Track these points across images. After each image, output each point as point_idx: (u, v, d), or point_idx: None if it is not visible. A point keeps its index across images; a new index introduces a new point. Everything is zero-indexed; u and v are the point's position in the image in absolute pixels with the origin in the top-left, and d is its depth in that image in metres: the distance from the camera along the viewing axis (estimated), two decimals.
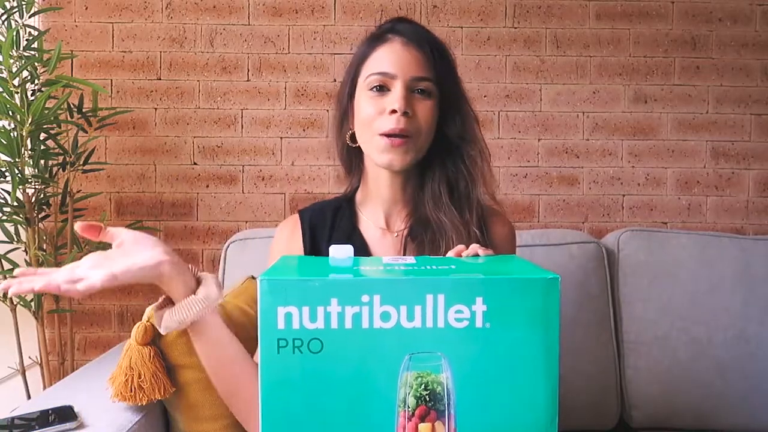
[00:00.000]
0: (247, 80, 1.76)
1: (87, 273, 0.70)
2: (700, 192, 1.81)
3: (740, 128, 1.80)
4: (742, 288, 1.50)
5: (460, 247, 0.76)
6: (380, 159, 0.94)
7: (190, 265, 0.83)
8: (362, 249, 1.00)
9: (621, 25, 1.78)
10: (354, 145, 1.00)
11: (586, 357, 1.47)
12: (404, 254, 0.97)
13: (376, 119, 0.92)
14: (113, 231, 0.77)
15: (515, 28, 1.78)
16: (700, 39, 1.79)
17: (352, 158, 1.04)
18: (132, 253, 0.76)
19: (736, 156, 1.81)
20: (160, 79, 1.75)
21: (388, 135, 0.91)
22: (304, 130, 1.77)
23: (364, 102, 0.94)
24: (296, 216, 1.06)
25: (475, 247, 0.75)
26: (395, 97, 0.91)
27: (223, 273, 1.52)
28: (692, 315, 1.48)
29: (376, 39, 0.97)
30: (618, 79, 1.79)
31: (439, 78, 0.94)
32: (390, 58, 0.93)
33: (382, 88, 0.93)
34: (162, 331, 0.81)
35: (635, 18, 1.78)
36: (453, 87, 0.98)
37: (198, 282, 0.82)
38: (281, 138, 1.77)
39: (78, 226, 0.74)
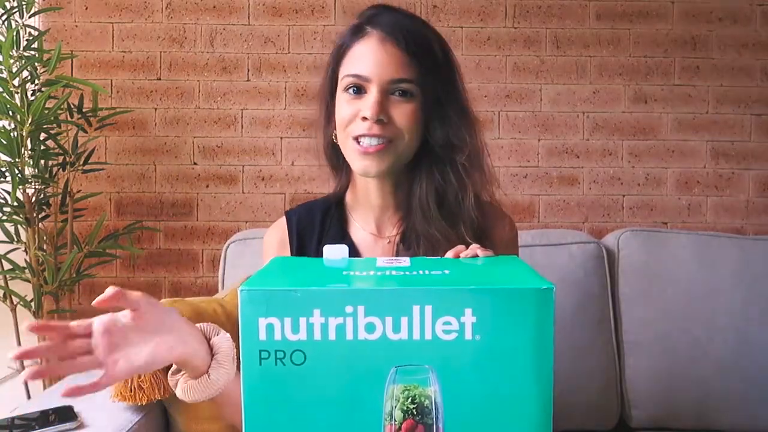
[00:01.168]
0: (247, 80, 1.76)
1: (107, 361, 0.64)
2: (700, 192, 1.81)
3: (740, 128, 1.80)
4: (742, 288, 1.49)
5: (460, 247, 0.72)
6: (356, 165, 0.88)
7: (202, 327, 0.76)
8: (353, 255, 0.92)
9: (621, 25, 1.78)
10: (338, 143, 0.93)
11: (586, 357, 1.47)
12: None
13: (350, 122, 0.86)
14: (131, 297, 0.67)
15: (515, 28, 1.78)
16: (700, 39, 1.79)
17: (339, 158, 0.95)
18: (149, 332, 0.68)
19: (736, 156, 1.81)
20: (160, 79, 1.75)
21: (360, 139, 0.85)
22: (304, 130, 1.77)
23: (342, 103, 0.88)
24: (283, 220, 1.00)
25: (474, 248, 0.71)
26: (368, 103, 0.84)
27: (223, 273, 1.52)
28: (692, 315, 1.48)
29: (355, 32, 0.89)
30: (618, 79, 1.79)
31: (421, 77, 0.85)
32: (365, 58, 0.85)
33: (359, 90, 0.86)
34: (179, 395, 0.75)
35: (635, 18, 1.78)
36: (440, 86, 0.88)
37: (213, 352, 0.74)
38: (281, 138, 1.77)
39: (96, 301, 0.65)
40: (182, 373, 0.75)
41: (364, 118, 0.84)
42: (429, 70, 0.87)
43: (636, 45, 1.79)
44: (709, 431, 1.48)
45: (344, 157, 0.94)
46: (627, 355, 1.51)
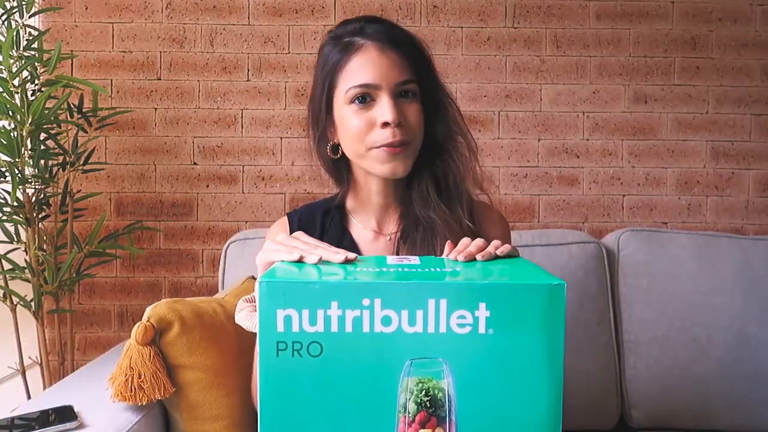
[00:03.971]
0: (247, 80, 1.76)
1: None
2: (700, 192, 1.81)
3: (740, 128, 1.80)
4: (742, 288, 1.50)
5: (465, 240, 0.71)
6: (381, 170, 0.90)
7: None
8: (353, 252, 0.96)
9: (621, 25, 1.78)
10: (336, 157, 0.96)
11: (586, 357, 1.47)
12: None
13: (367, 133, 0.89)
14: None
15: (515, 28, 1.78)
16: (700, 39, 1.79)
17: (341, 168, 0.99)
18: None
19: (736, 156, 1.81)
20: (160, 79, 1.75)
21: (383, 146, 0.88)
22: (304, 130, 1.75)
23: (349, 117, 0.90)
24: (284, 219, 1.03)
25: (508, 248, 0.69)
26: (385, 109, 0.87)
27: (223, 273, 1.52)
28: (692, 315, 1.48)
29: (346, 46, 0.91)
30: (618, 79, 1.79)
31: (419, 77, 0.91)
32: (368, 67, 0.88)
33: (365, 99, 0.88)
34: (236, 319, 0.85)
35: (635, 18, 1.78)
36: (433, 83, 0.95)
37: None
38: (281, 138, 1.77)
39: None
40: (253, 303, 0.85)
41: (385, 124, 0.87)
42: (423, 70, 0.93)
43: (636, 45, 1.79)
44: (709, 431, 1.48)
45: (345, 167, 0.99)
46: (627, 355, 1.51)
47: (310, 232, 0.97)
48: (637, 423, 1.51)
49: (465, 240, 0.72)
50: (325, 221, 1.01)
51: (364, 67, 0.88)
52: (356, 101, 0.89)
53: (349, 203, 1.02)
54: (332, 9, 1.76)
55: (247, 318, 0.84)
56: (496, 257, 0.68)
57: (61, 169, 1.56)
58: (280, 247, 0.69)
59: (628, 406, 1.51)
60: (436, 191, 0.94)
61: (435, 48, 1.71)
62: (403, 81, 0.89)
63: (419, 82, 0.91)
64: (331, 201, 1.04)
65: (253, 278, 1.37)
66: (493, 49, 1.78)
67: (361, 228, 1.00)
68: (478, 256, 0.67)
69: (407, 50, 0.91)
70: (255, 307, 0.85)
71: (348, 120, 0.90)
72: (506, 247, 0.70)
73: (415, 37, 0.95)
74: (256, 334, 0.85)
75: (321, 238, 0.97)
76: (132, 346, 0.97)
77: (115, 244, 1.60)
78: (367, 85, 0.88)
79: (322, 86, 0.93)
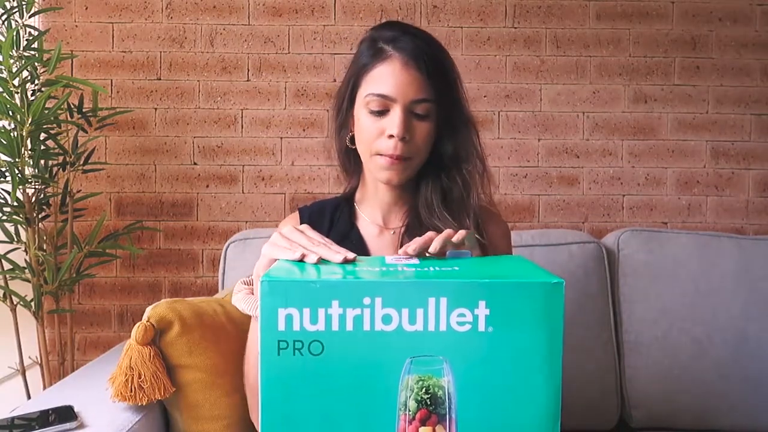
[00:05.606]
0: (247, 80, 1.76)
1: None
2: (700, 192, 1.81)
3: (740, 128, 1.80)
4: (742, 288, 1.50)
5: (449, 231, 0.73)
6: (379, 175, 0.96)
7: None
8: (359, 246, 1.01)
9: (621, 25, 1.78)
10: (353, 147, 1.01)
11: (586, 357, 1.47)
12: None
13: (375, 140, 0.93)
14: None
15: (515, 28, 1.78)
16: (700, 39, 1.79)
17: (351, 160, 1.05)
18: None
19: (736, 156, 1.81)
20: (160, 79, 1.75)
21: (384, 155, 0.93)
22: (304, 130, 1.77)
23: (364, 120, 0.94)
24: (296, 214, 1.08)
25: (462, 233, 0.73)
26: (394, 122, 0.91)
27: (223, 273, 1.53)
28: (692, 315, 1.48)
29: (377, 52, 0.94)
30: (618, 79, 1.79)
31: (438, 98, 0.94)
32: (389, 79, 0.92)
33: (380, 110, 0.92)
34: (232, 301, 0.87)
35: (635, 18, 1.78)
36: (451, 105, 0.97)
37: None
38: (281, 138, 1.77)
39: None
40: (251, 286, 0.88)
41: (391, 136, 0.91)
42: (443, 92, 0.95)
43: (636, 45, 1.79)
44: (709, 431, 1.48)
45: (356, 160, 1.04)
46: (627, 355, 1.51)
47: (318, 228, 1.00)
48: (637, 423, 1.51)
49: (449, 231, 0.73)
50: (333, 216, 1.05)
51: (385, 77, 0.92)
52: (373, 110, 0.93)
53: (358, 195, 1.07)
54: (332, 9, 1.76)
55: (243, 300, 0.85)
56: (453, 245, 0.71)
57: (61, 169, 1.56)
58: (284, 244, 0.71)
59: (628, 406, 1.51)
60: (442, 200, 0.99)
61: None
62: (419, 99, 0.92)
63: (437, 102, 0.94)
64: (341, 197, 1.09)
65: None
66: (493, 49, 1.78)
67: (367, 222, 1.03)
68: (430, 249, 0.69)
69: (431, 70, 0.93)
70: (252, 290, 0.87)
71: (362, 123, 0.95)
72: (461, 233, 0.73)
73: (446, 57, 0.97)
74: (251, 319, 0.86)
75: (329, 232, 1.02)
76: (132, 346, 0.97)
77: (115, 244, 1.60)
78: (384, 96, 0.91)
79: (348, 82, 0.99)
